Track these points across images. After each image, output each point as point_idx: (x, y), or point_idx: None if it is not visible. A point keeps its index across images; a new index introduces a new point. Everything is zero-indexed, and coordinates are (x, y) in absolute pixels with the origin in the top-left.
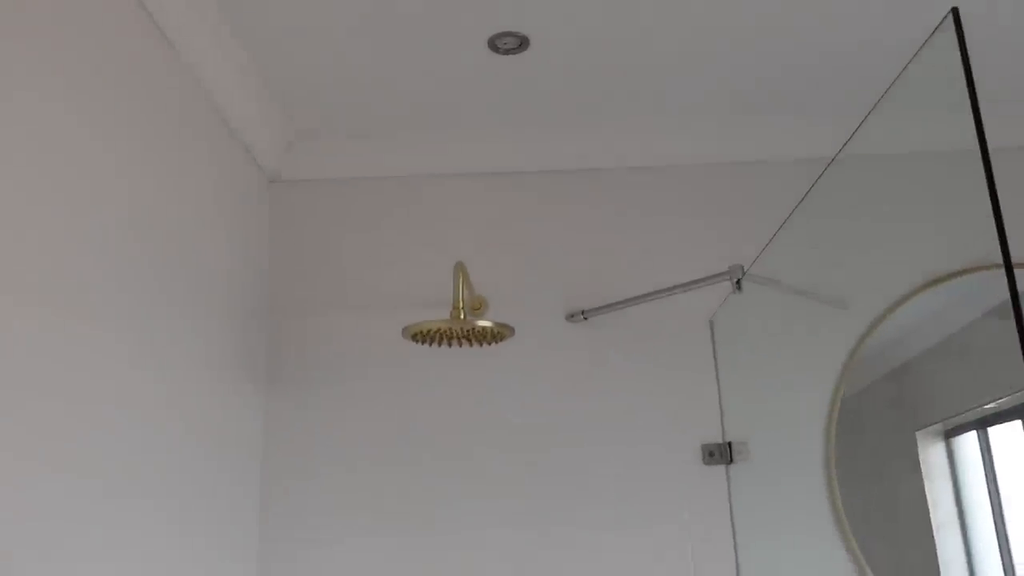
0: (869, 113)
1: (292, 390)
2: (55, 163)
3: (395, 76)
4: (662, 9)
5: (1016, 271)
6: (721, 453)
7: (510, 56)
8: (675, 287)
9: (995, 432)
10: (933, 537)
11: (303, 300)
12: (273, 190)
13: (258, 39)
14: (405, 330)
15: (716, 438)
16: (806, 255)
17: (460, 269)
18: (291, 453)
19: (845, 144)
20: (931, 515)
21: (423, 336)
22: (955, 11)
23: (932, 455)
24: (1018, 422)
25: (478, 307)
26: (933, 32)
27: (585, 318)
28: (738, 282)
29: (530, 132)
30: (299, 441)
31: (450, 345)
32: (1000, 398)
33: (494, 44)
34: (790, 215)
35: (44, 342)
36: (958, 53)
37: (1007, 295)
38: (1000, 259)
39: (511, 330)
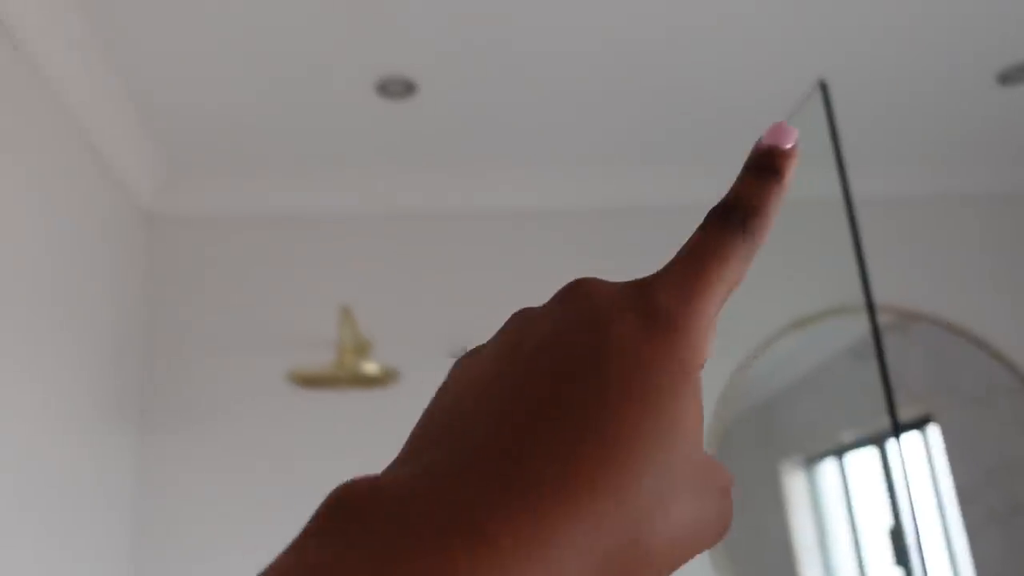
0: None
1: (170, 433)
2: None
3: (281, 116)
4: (544, 63)
5: (877, 314)
6: None
7: (398, 101)
8: None
9: (851, 459)
10: (797, 560)
11: (184, 340)
12: (154, 227)
13: (136, 74)
14: (289, 376)
15: None
16: None
17: (346, 313)
18: (167, 497)
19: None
20: (795, 539)
21: (309, 382)
22: (823, 84)
23: (795, 483)
24: (873, 449)
25: (364, 349)
26: (803, 102)
27: None
28: None
29: (416, 176)
30: (176, 484)
31: (335, 390)
32: (855, 428)
33: (382, 88)
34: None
35: None
36: (825, 118)
37: (859, 336)
38: (858, 302)
39: (397, 375)
